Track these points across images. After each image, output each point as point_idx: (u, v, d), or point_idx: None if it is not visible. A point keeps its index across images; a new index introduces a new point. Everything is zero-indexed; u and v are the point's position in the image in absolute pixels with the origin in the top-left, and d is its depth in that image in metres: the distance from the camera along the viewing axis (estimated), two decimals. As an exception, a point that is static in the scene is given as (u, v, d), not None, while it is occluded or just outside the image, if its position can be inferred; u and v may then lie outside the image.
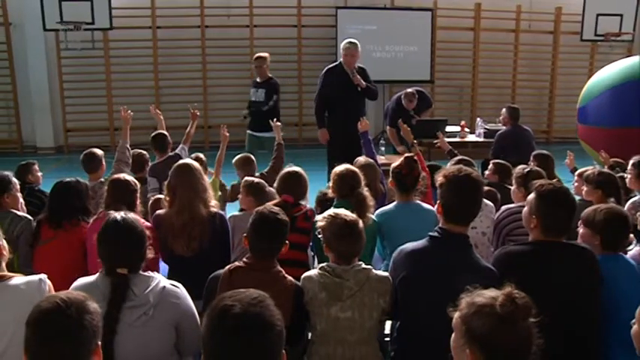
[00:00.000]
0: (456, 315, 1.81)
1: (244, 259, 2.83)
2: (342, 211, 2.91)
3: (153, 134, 5.83)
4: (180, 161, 3.92)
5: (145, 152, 5.60)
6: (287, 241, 2.86)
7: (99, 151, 5.21)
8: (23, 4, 11.50)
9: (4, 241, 2.59)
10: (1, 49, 11.88)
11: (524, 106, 11.81)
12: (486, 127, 8.59)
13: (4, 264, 2.55)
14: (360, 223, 2.88)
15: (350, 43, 6.86)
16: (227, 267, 2.81)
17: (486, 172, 5.14)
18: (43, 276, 2.50)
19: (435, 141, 6.43)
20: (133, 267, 2.49)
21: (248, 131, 7.82)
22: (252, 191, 4.19)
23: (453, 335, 1.83)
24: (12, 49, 11.91)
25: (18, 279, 2.47)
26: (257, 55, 7.97)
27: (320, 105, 7.12)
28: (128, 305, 2.38)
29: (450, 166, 2.80)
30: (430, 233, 2.74)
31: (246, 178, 4.42)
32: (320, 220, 2.92)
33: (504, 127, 7.41)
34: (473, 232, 3.88)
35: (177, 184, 3.67)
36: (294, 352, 2.75)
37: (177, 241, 3.55)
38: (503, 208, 4.04)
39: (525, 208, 2.87)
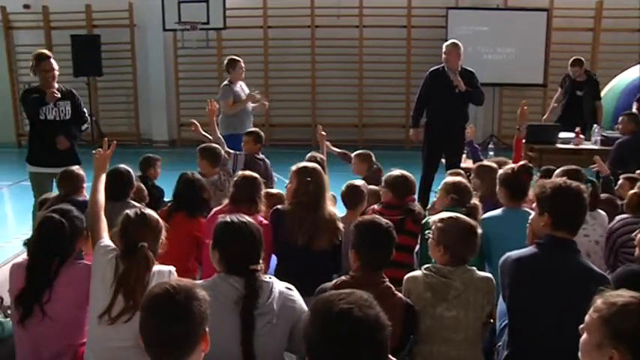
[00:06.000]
0: (593, 316, 1.80)
1: (351, 273, 2.81)
2: (462, 216, 2.97)
3: (254, 130, 6.19)
4: (311, 164, 3.95)
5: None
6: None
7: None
8: (146, 6, 12.17)
9: (164, 238, 2.78)
10: (126, 48, 12.66)
11: (648, 113, 11.10)
12: (604, 134, 8.07)
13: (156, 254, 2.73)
14: (479, 229, 2.93)
15: (450, 43, 6.73)
16: (333, 281, 2.78)
17: (618, 189, 4.85)
18: (172, 268, 2.66)
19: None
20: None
21: (42, 169, 5.34)
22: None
23: (586, 337, 1.82)
24: (135, 48, 12.67)
25: (156, 267, 2.65)
26: (40, 52, 5.55)
27: (417, 105, 7.10)
28: (255, 313, 2.41)
29: (553, 179, 3.02)
30: (537, 240, 2.77)
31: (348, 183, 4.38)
32: (439, 220, 2.91)
33: (624, 135, 6.96)
34: (585, 240, 3.76)
35: (311, 183, 3.69)
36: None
37: (314, 236, 3.57)
38: (618, 217, 3.88)
39: None
